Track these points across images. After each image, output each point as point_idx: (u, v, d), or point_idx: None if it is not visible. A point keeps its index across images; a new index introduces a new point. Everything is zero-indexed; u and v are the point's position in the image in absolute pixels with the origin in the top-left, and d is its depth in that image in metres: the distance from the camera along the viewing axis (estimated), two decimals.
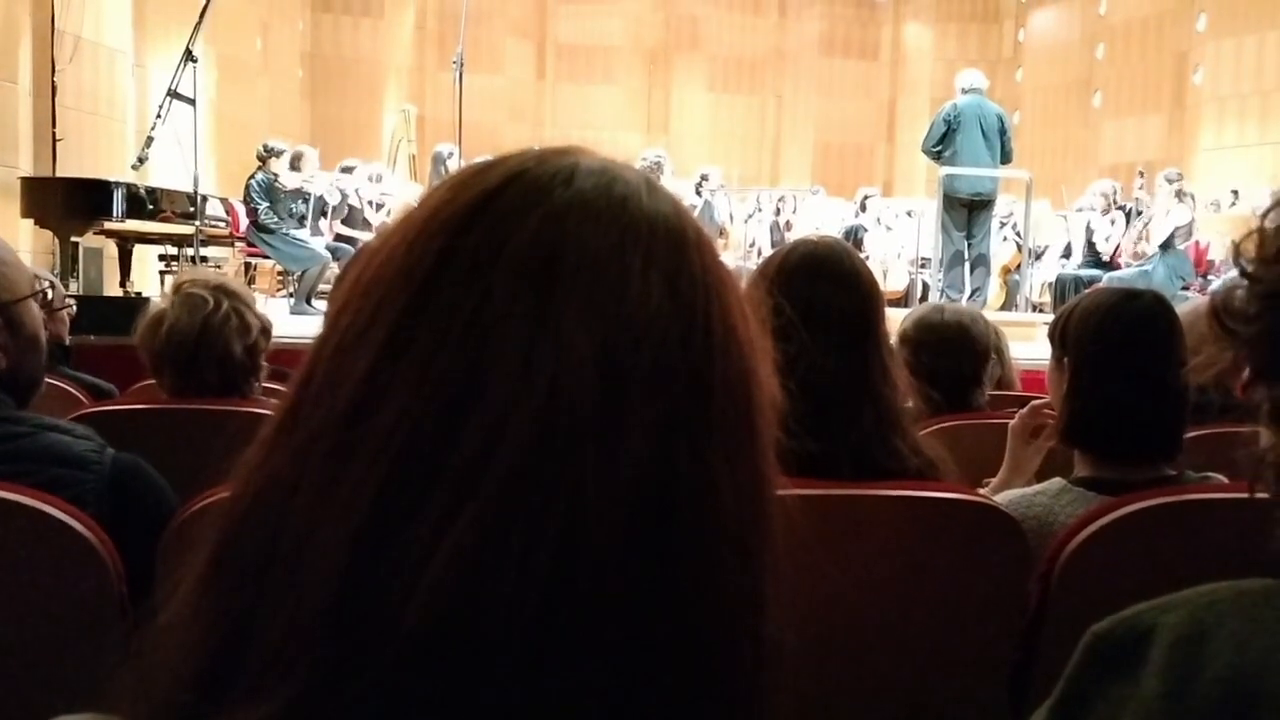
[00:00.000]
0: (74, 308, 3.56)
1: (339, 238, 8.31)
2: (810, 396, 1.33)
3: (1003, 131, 7.51)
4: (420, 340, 0.46)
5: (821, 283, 1.44)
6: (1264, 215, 0.61)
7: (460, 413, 0.44)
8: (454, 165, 8.15)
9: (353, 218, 8.49)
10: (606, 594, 0.44)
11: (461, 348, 0.45)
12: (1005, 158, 7.58)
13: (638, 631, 0.44)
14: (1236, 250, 0.62)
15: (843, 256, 1.50)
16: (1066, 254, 9.38)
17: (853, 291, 1.45)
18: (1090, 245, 8.49)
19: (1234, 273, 0.63)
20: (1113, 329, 1.56)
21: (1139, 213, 8.27)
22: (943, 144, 7.48)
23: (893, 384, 1.45)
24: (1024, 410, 1.88)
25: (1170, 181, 8.01)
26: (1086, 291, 1.76)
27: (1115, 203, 8.44)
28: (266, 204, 7.38)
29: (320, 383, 0.48)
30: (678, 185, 9.29)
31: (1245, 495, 0.64)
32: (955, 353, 2.32)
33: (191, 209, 6.79)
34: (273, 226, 7.38)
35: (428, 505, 0.43)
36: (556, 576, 0.43)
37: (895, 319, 2.37)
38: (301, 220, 7.68)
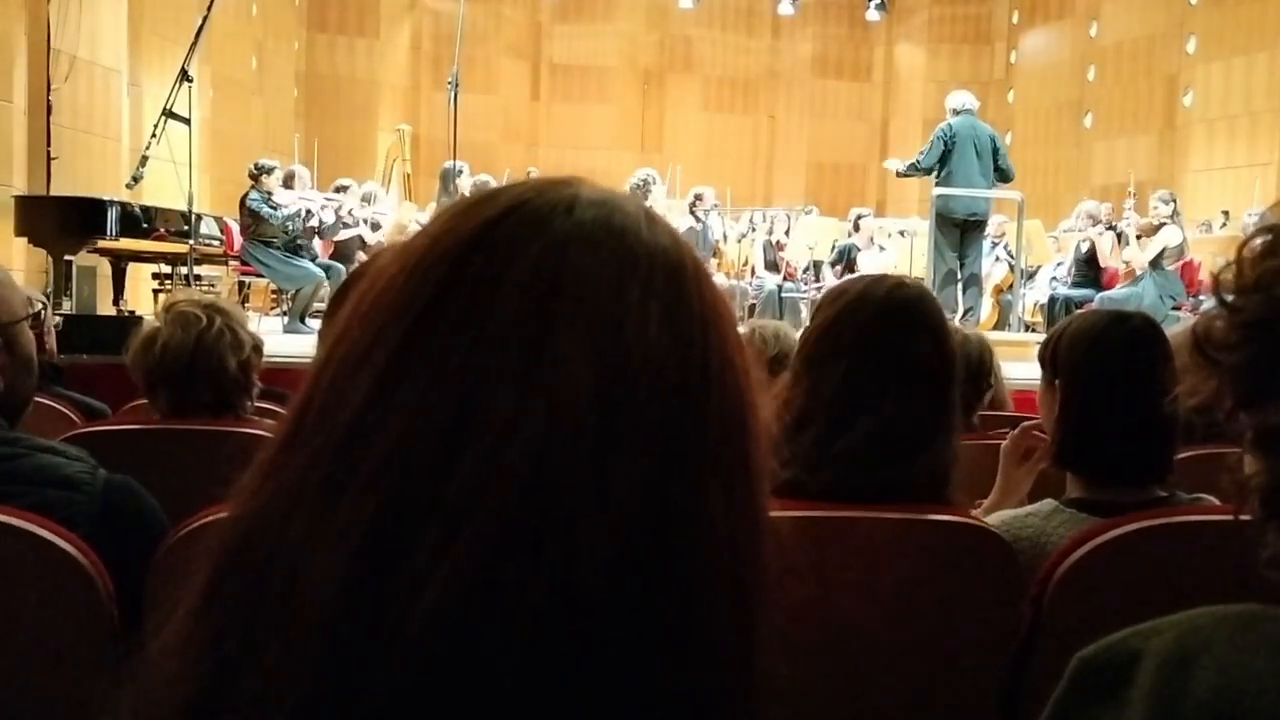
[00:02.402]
0: (60, 323, 3.56)
1: (333, 256, 8.31)
2: (882, 441, 1.35)
3: (996, 151, 7.55)
4: (418, 369, 0.46)
5: (919, 333, 1.44)
6: (1242, 245, 0.62)
7: (457, 442, 0.44)
8: (464, 181, 8.16)
9: (347, 240, 8.50)
10: (601, 624, 0.44)
11: (459, 377, 0.45)
12: (1004, 176, 7.62)
13: (632, 662, 0.44)
14: (1216, 280, 0.62)
15: (936, 308, 1.51)
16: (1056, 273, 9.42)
17: (943, 345, 1.46)
18: (1084, 265, 8.52)
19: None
20: (1103, 352, 1.57)
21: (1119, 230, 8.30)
22: (938, 165, 7.52)
23: (956, 437, 1.46)
24: (1015, 432, 1.88)
25: (1165, 203, 8.06)
26: (1077, 313, 1.77)
27: (1099, 219, 8.48)
28: (270, 210, 7.37)
29: (318, 408, 0.48)
30: (670, 204, 9.32)
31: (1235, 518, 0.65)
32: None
33: (186, 228, 6.79)
34: (270, 236, 7.38)
35: (423, 534, 0.43)
36: (551, 606, 0.43)
37: None
38: (296, 240, 7.67)
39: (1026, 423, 1.89)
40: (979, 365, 2.41)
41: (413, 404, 0.45)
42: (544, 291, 0.47)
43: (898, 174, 8.17)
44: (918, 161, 7.78)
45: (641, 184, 8.47)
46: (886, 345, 1.42)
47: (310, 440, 0.47)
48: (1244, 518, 0.63)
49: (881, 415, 1.38)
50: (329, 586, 0.44)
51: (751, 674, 0.49)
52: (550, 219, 0.49)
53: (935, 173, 7.55)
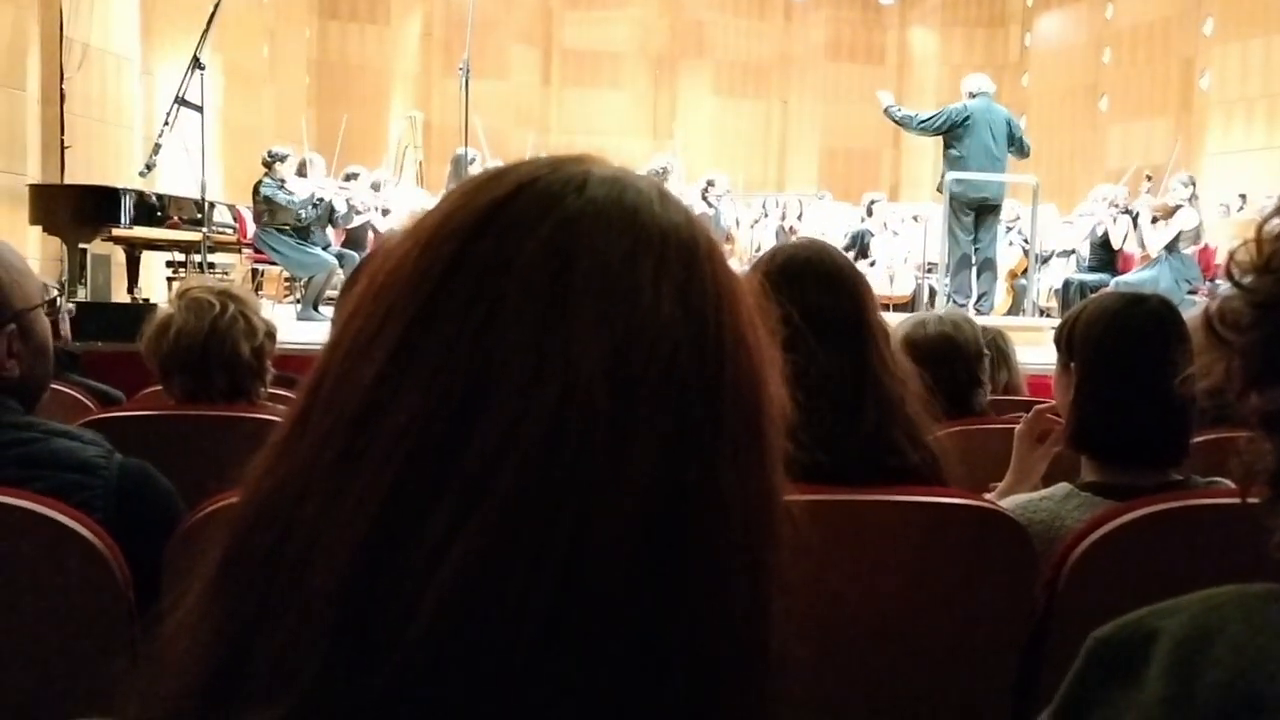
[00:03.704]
0: (73, 309, 3.59)
1: (345, 244, 8.34)
2: (816, 402, 1.33)
3: (1011, 135, 7.52)
4: (430, 346, 0.46)
5: (808, 285, 1.44)
6: (1260, 225, 0.61)
7: (470, 420, 0.44)
8: (476, 169, 8.17)
9: (359, 227, 8.52)
10: (613, 603, 0.44)
11: (471, 355, 0.45)
12: (1022, 152, 7.59)
13: (644, 641, 0.45)
14: (1230, 260, 0.62)
15: (824, 256, 1.50)
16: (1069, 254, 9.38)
17: (841, 289, 1.45)
18: (1099, 249, 8.47)
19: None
20: (1118, 333, 1.56)
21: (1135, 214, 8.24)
22: (947, 134, 7.48)
23: (892, 373, 1.44)
24: (1029, 415, 1.88)
25: (1184, 185, 8.00)
26: (1093, 296, 1.76)
27: (1116, 203, 8.44)
28: (287, 195, 7.38)
29: (330, 388, 0.48)
30: (684, 190, 9.30)
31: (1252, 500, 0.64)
32: (948, 361, 2.32)
33: (199, 215, 6.81)
34: (283, 223, 7.39)
35: (436, 512, 0.43)
36: (564, 585, 0.43)
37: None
38: (308, 228, 7.69)
39: (1041, 406, 1.88)
40: (974, 350, 2.41)
41: (425, 381, 0.45)
42: (556, 269, 0.47)
43: (885, 110, 8.09)
44: (916, 115, 7.74)
45: (660, 172, 8.44)
46: (784, 304, 1.39)
47: (322, 419, 0.47)
48: (1251, 500, 0.63)
49: (801, 374, 1.36)
50: (343, 564, 0.44)
51: (765, 652, 0.49)
52: (562, 196, 0.49)
53: (944, 152, 7.52)
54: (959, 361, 2.35)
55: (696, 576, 0.46)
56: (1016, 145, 7.52)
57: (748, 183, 12.15)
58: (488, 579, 0.43)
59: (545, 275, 0.46)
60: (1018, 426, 1.89)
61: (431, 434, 0.44)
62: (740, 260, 9.79)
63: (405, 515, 0.44)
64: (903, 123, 7.91)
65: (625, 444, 0.45)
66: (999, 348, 2.95)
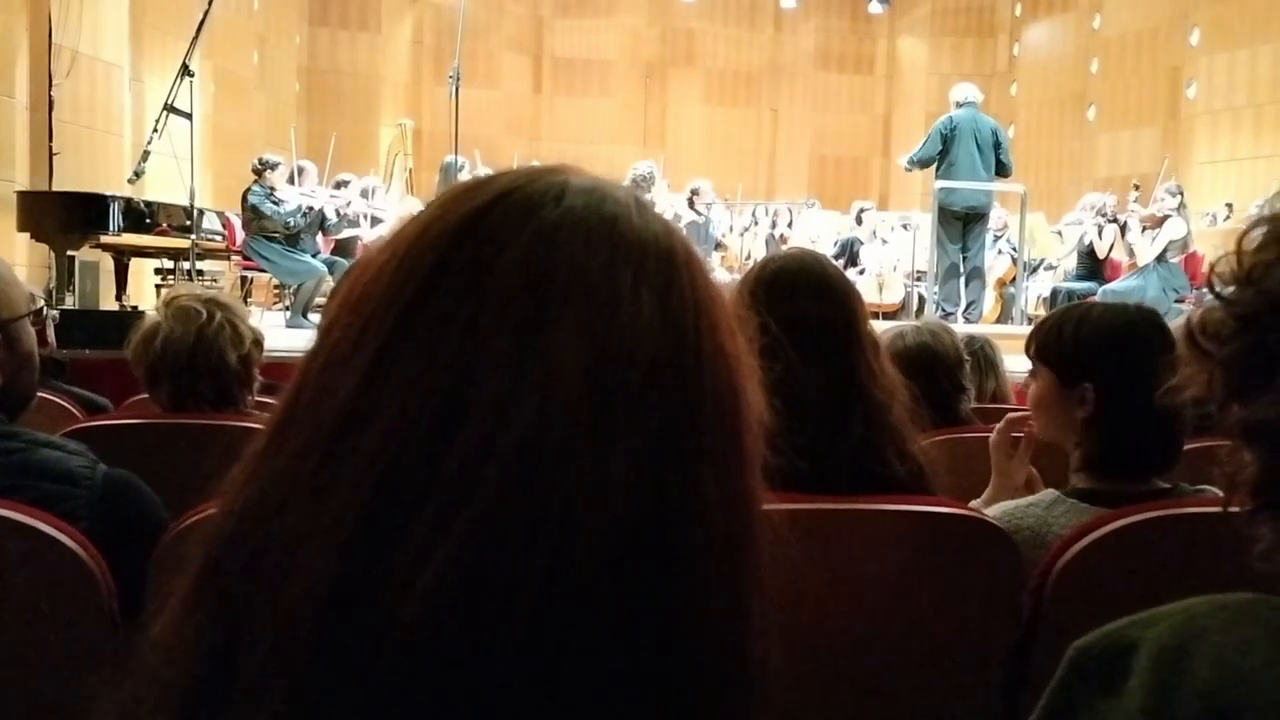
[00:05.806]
0: (57, 317, 3.58)
1: (335, 251, 8.32)
2: (802, 412, 1.33)
3: (998, 145, 7.55)
4: (410, 356, 0.46)
5: (799, 297, 1.44)
6: (1240, 238, 0.62)
7: (450, 428, 0.44)
8: (465, 177, 8.14)
9: (348, 236, 8.50)
10: (596, 608, 0.44)
11: (452, 363, 0.45)
12: (1004, 171, 7.62)
13: (627, 645, 0.45)
14: (1211, 272, 0.62)
15: (815, 267, 1.51)
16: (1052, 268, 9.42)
17: (831, 300, 1.46)
18: (1086, 258, 8.51)
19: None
20: (1140, 351, 1.52)
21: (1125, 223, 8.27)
22: (940, 157, 7.52)
23: (880, 384, 1.45)
24: (1001, 424, 1.85)
25: (1172, 195, 8.04)
26: (1068, 306, 1.74)
27: (1103, 212, 8.47)
28: (273, 205, 7.37)
29: (310, 397, 0.48)
30: (671, 199, 9.29)
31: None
32: (930, 371, 2.32)
33: (188, 222, 6.80)
34: (272, 231, 7.37)
35: (417, 520, 0.43)
36: (547, 590, 0.43)
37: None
38: (297, 235, 7.67)
39: (1012, 414, 1.86)
40: (954, 357, 2.42)
41: (405, 390, 0.45)
42: (535, 277, 0.47)
43: (906, 168, 8.19)
44: (913, 155, 7.80)
45: (644, 179, 8.42)
46: (771, 315, 1.39)
47: (302, 430, 0.47)
48: (1233, 509, 0.63)
49: (786, 384, 1.36)
50: (323, 574, 0.44)
51: (746, 657, 0.49)
52: (540, 206, 0.49)
53: (936, 165, 7.56)
54: (940, 369, 2.36)
55: (676, 580, 0.46)
56: (999, 164, 7.56)
57: (737, 190, 12.16)
58: (469, 586, 0.43)
59: (524, 285, 0.47)
60: (990, 437, 1.87)
61: (412, 442, 0.45)
62: (731, 268, 9.81)
63: (386, 523, 0.44)
64: (911, 166, 7.98)
65: (605, 451, 0.45)
66: (986, 356, 2.96)
